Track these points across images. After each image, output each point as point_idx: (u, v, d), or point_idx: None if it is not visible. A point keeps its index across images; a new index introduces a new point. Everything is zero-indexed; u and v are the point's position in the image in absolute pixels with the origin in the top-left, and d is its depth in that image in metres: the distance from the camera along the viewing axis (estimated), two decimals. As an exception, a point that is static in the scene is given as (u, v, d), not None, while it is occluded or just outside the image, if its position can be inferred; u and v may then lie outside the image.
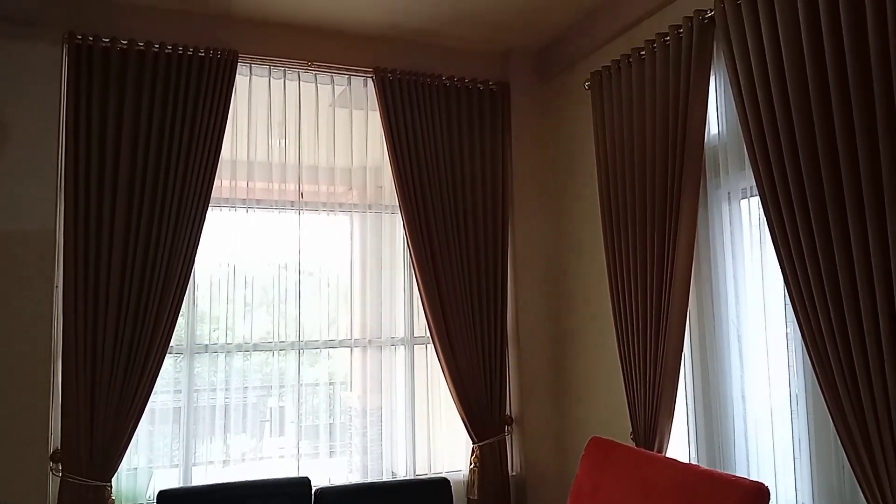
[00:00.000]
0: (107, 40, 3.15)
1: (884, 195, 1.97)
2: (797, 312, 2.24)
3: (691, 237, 2.80)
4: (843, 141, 2.08)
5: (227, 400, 3.36)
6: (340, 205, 3.68)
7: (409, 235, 3.57)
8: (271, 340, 3.47)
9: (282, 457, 3.46)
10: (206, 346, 3.37)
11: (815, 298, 2.17)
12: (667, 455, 2.87)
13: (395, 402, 3.69)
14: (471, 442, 3.63)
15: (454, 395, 3.59)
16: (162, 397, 3.28)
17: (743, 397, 2.69)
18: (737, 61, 2.48)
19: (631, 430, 3.06)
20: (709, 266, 2.85)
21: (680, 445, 2.93)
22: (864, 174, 2.02)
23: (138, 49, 3.19)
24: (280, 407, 3.49)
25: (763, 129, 2.36)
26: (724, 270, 2.77)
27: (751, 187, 2.64)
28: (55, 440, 2.99)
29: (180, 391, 3.30)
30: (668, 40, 2.89)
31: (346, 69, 3.65)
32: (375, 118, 3.65)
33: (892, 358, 1.96)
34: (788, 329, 2.49)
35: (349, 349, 3.65)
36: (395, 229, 3.73)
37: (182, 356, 3.33)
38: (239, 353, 3.41)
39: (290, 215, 3.56)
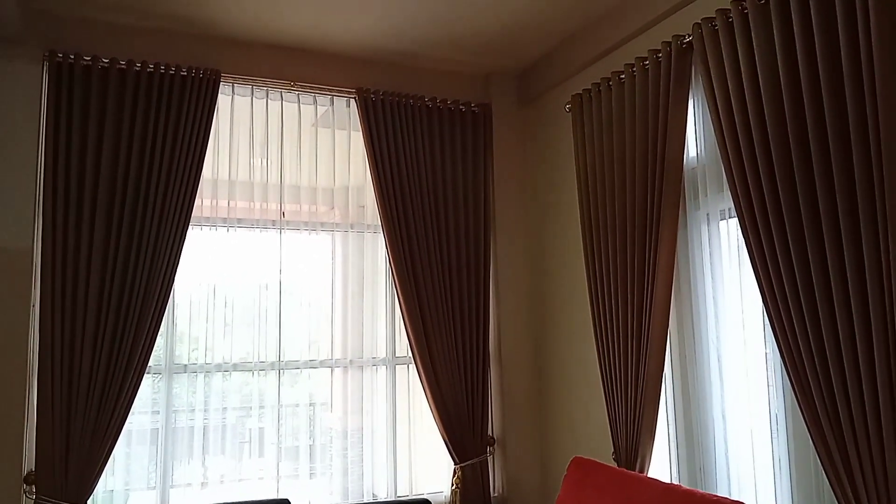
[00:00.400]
0: (88, 59, 3.14)
1: (859, 217, 2.01)
2: (776, 333, 2.27)
3: (671, 259, 2.83)
4: (819, 164, 2.13)
5: (205, 421, 3.31)
6: (322, 224, 3.67)
7: (391, 255, 3.57)
8: (251, 360, 3.44)
9: (261, 478, 3.41)
10: (185, 366, 3.33)
11: (794, 319, 2.20)
12: (648, 475, 2.87)
13: (377, 423, 3.67)
14: (452, 463, 3.61)
15: (436, 415, 3.58)
16: (139, 418, 3.23)
17: (723, 417, 2.71)
18: (714, 85, 2.52)
19: (613, 450, 3.06)
20: (689, 287, 2.88)
21: (661, 465, 2.94)
22: (840, 196, 2.06)
23: (120, 68, 3.18)
24: (260, 428, 3.45)
25: (741, 152, 2.40)
26: (704, 291, 2.80)
27: (729, 209, 2.68)
28: (29, 461, 2.94)
29: (158, 412, 3.25)
30: (647, 64, 2.94)
31: (329, 89, 3.66)
32: (358, 138, 3.67)
33: (870, 378, 1.99)
34: (767, 349, 2.52)
35: (330, 369, 3.62)
36: (377, 249, 3.73)
37: (160, 376, 3.29)
38: (218, 373, 3.37)
39: (272, 234, 3.54)
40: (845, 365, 2.05)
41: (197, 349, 3.35)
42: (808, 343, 2.17)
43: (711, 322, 2.76)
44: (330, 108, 3.70)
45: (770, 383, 2.51)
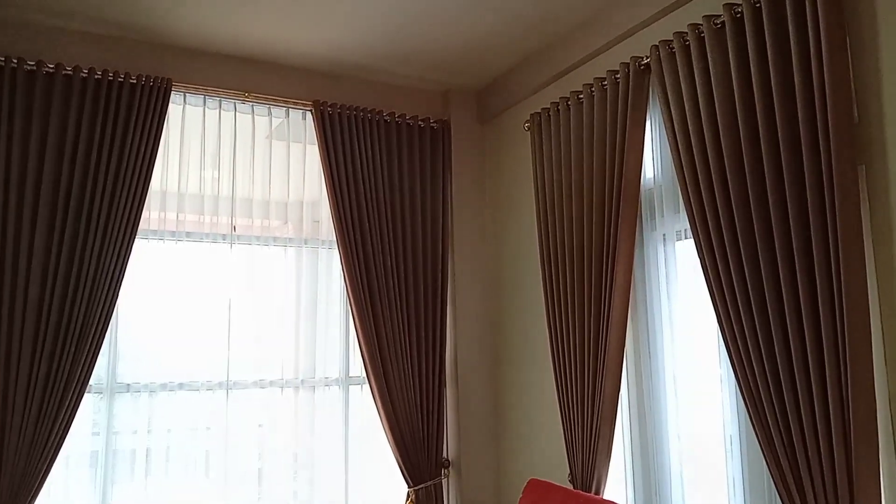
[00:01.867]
0: (32, 64, 3.06)
1: (811, 240, 2.08)
2: (730, 354, 2.32)
3: (628, 278, 2.88)
4: (773, 185, 2.20)
5: (149, 443, 3.23)
6: (275, 239, 3.63)
7: (345, 272, 3.55)
8: (198, 379, 3.37)
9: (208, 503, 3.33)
10: (129, 385, 3.24)
11: (748, 340, 2.26)
12: (604, 497, 2.89)
13: (329, 445, 3.62)
14: (406, 486, 3.58)
15: (389, 436, 3.55)
16: (78, 440, 3.13)
17: (679, 438, 2.75)
18: (671, 107, 2.59)
19: (569, 472, 3.08)
20: (645, 307, 2.93)
21: (617, 487, 2.97)
22: (793, 218, 2.13)
23: (66, 74, 3.11)
24: (206, 450, 3.37)
25: (696, 173, 2.46)
26: (660, 311, 2.85)
27: (685, 230, 2.75)
28: (-44, 487, 2.81)
29: (98, 433, 3.15)
30: (605, 84, 3.00)
31: (285, 101, 3.64)
32: (314, 152, 3.65)
33: (822, 400, 2.05)
34: (722, 370, 2.58)
35: (280, 389, 3.57)
36: (331, 265, 3.70)
37: (102, 396, 3.19)
38: (163, 392, 3.29)
39: (222, 249, 3.49)
40: (798, 387, 2.11)
41: (141, 367, 3.27)
42: (761, 364, 2.22)
43: (668, 342, 2.81)
44: (285, 121, 3.68)
45: (725, 404, 2.56)
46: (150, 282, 3.32)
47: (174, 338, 3.34)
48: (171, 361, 3.32)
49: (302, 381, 3.60)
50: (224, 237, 3.50)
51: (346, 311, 3.66)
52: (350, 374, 3.71)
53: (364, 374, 3.60)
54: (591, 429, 2.94)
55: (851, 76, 2.10)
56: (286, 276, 3.65)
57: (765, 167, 2.23)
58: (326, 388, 3.65)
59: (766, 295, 2.20)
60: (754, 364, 2.24)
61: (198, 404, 3.36)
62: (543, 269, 3.27)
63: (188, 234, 3.43)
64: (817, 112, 2.06)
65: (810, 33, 2.09)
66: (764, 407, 2.22)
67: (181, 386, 3.34)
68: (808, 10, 2.11)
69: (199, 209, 3.46)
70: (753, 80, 2.27)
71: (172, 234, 3.38)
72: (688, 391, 2.73)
